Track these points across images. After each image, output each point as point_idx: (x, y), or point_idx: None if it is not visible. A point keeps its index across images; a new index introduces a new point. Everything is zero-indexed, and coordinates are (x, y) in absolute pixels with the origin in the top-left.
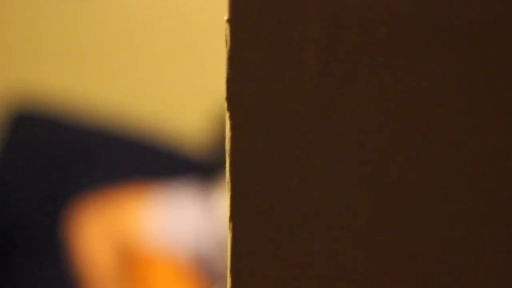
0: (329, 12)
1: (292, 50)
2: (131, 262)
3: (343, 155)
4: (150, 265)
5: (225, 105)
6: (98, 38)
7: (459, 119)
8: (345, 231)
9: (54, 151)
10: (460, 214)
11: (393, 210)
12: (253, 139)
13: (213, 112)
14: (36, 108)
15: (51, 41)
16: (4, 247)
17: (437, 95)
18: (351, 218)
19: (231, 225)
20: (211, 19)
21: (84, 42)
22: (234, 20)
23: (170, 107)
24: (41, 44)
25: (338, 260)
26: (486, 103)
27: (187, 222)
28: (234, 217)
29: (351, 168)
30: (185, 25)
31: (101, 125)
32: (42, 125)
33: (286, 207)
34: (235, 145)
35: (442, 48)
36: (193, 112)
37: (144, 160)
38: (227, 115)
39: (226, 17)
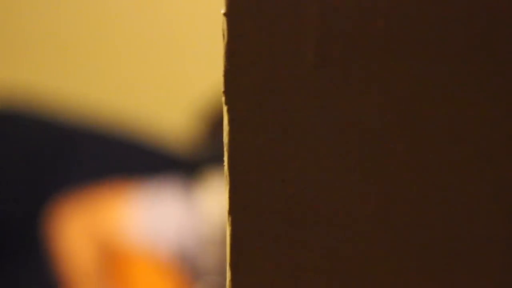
0: (328, 4)
1: (290, 43)
2: (113, 260)
3: (342, 147)
4: (131, 262)
5: (223, 98)
6: (82, 35)
7: (460, 109)
8: (344, 226)
9: (35, 148)
10: (462, 213)
11: (394, 204)
12: (251, 133)
13: (195, 109)
14: (17, 105)
15: (34, 37)
16: None
17: (435, 86)
18: (351, 212)
19: (230, 219)
20: (194, 16)
21: (68, 39)
22: (231, 13)
23: (152, 104)
24: (24, 40)
25: (336, 255)
26: (484, 93)
27: (170, 219)
28: (233, 211)
29: (351, 160)
30: (168, 22)
31: (83, 122)
32: (22, 122)
33: (285, 200)
34: (233, 139)
35: (440, 40)
36: (175, 108)
37: (126, 157)
38: (225, 108)
39: (223, 10)
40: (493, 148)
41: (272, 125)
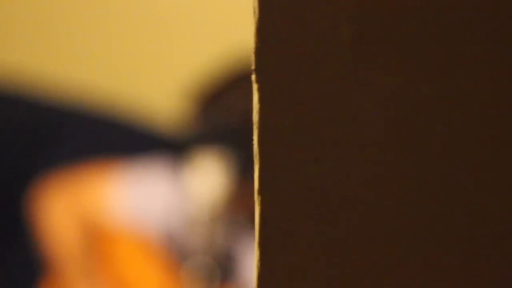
0: None
1: (324, 20)
2: (98, 239)
3: (376, 126)
4: (117, 242)
5: (253, 76)
6: (67, 16)
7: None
8: (373, 204)
9: (20, 128)
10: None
11: (426, 185)
12: (281, 112)
13: (183, 89)
14: (1, 86)
15: (20, 20)
16: None
17: (472, 62)
18: (382, 191)
19: (259, 198)
20: None
21: (53, 20)
22: None
23: (139, 84)
24: (9, 23)
25: (364, 233)
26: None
27: (157, 200)
28: (262, 190)
29: (385, 138)
30: (155, 2)
31: (68, 102)
32: (6, 102)
33: (315, 180)
34: (263, 117)
35: (478, 17)
36: (162, 89)
37: (111, 137)
38: (255, 87)
39: None
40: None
41: (303, 104)
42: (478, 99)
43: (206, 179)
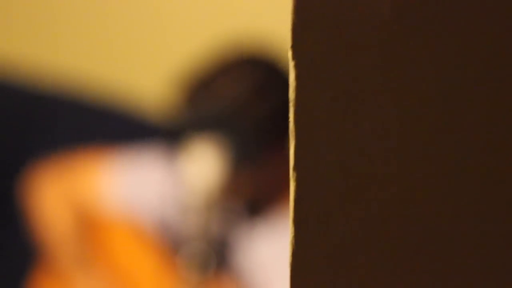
0: None
1: None
2: (91, 227)
3: (415, 105)
4: (110, 229)
5: (289, 53)
6: (57, 5)
7: None
8: (403, 184)
9: (10, 115)
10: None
11: (459, 172)
12: (318, 89)
13: (174, 76)
14: None
15: (9, 7)
16: None
17: None
18: (413, 171)
19: (294, 174)
20: None
21: (44, 8)
22: None
23: (129, 71)
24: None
25: (402, 214)
26: None
27: (151, 187)
28: (298, 167)
29: (424, 114)
30: None
31: (59, 90)
32: None
33: (350, 157)
34: (299, 95)
35: None
36: (152, 76)
37: (104, 124)
38: (291, 64)
39: None
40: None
41: (340, 81)
42: None
43: (200, 166)
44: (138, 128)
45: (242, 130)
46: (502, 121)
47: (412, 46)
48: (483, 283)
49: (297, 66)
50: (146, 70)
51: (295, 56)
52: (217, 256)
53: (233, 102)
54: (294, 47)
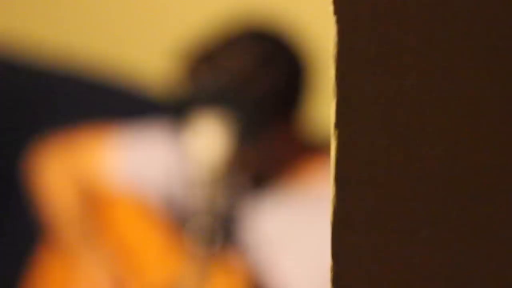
0: None
1: None
2: (95, 203)
3: (463, 61)
4: (115, 205)
5: (331, 8)
6: None
7: None
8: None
9: (14, 92)
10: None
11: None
12: (361, 44)
13: (177, 51)
14: None
15: None
16: None
17: None
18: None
19: (336, 132)
20: None
21: None
22: None
23: (133, 47)
24: None
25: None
26: None
27: (156, 162)
28: (339, 124)
29: (471, 75)
30: None
31: (62, 66)
32: (1, 67)
33: (393, 113)
34: (342, 50)
35: None
36: (156, 51)
37: (107, 101)
38: (334, 18)
39: None
40: None
41: (383, 34)
42: None
43: (205, 141)
44: (141, 104)
45: (247, 103)
46: None
47: (464, 14)
48: None
49: (339, 21)
50: (148, 45)
51: (337, 11)
52: (223, 230)
53: (238, 75)
54: (335, 1)
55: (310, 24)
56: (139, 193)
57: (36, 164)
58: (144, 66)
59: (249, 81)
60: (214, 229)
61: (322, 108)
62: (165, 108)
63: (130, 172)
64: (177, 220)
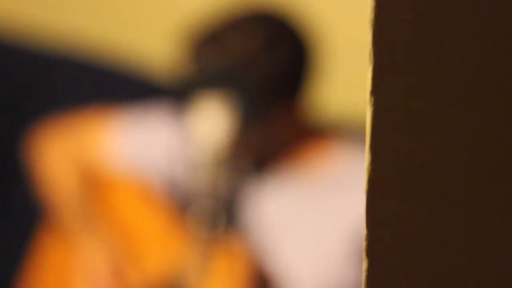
0: None
1: None
2: (95, 186)
3: (495, 34)
4: (116, 188)
5: None
6: None
7: None
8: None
9: (15, 75)
10: None
11: None
12: (398, 10)
13: (180, 32)
14: None
15: None
16: None
17: None
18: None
19: (372, 99)
20: None
21: None
22: None
23: (135, 29)
24: None
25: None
26: None
27: (158, 145)
28: (375, 91)
29: (505, 50)
30: None
31: (64, 49)
32: (3, 49)
33: (429, 81)
34: (379, 16)
35: None
36: (159, 33)
37: (109, 84)
38: None
39: None
40: None
41: (422, 2)
42: None
43: (208, 123)
44: (144, 87)
45: (250, 86)
46: None
47: None
48: None
49: None
50: (151, 27)
51: None
52: (225, 213)
53: (241, 57)
54: None
55: (315, 7)
56: (141, 176)
57: (37, 147)
58: (147, 49)
59: (253, 64)
60: (217, 212)
61: (326, 92)
62: (168, 91)
63: (131, 155)
64: (179, 203)
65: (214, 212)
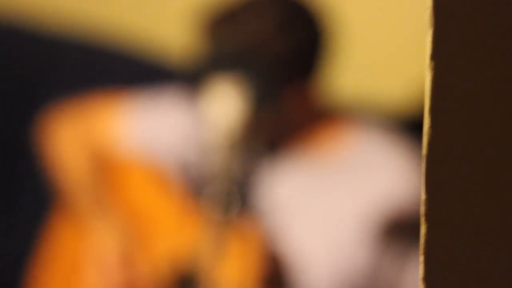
0: None
1: None
2: (107, 170)
3: None
4: (127, 172)
5: None
6: None
7: None
8: None
9: (26, 59)
10: None
11: None
12: None
13: (193, 13)
14: (7, 17)
15: None
16: None
17: None
18: None
19: (432, 64)
20: None
21: None
22: None
23: (148, 12)
24: None
25: None
26: None
27: (171, 128)
28: (435, 55)
29: None
30: None
31: (76, 33)
32: (10, 33)
33: (489, 47)
34: None
35: None
36: (171, 15)
37: (121, 68)
38: None
39: None
40: None
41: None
42: None
43: (221, 106)
44: (156, 70)
45: (264, 68)
46: None
47: None
48: None
49: None
50: (164, 9)
51: None
52: (239, 196)
53: (256, 38)
54: None
55: None
56: (153, 160)
57: (48, 131)
58: (160, 32)
59: (267, 44)
60: (231, 195)
61: (340, 74)
62: (181, 74)
63: (143, 139)
64: (192, 186)
65: (228, 194)
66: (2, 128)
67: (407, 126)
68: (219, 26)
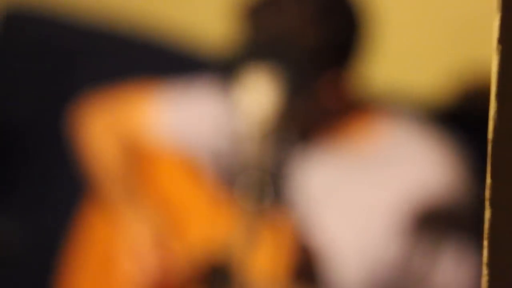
0: None
1: None
2: (139, 159)
3: None
4: (159, 162)
5: None
6: None
7: None
8: None
9: (60, 49)
10: None
11: None
12: None
13: (228, 5)
14: (40, 7)
15: None
16: (8, 154)
17: None
18: None
19: (499, 47)
20: None
21: None
22: None
23: (181, 2)
24: None
25: None
26: None
27: (204, 118)
28: (503, 39)
29: None
30: None
31: (109, 23)
32: (43, 23)
33: None
34: None
35: None
36: (206, 6)
37: (154, 58)
38: None
39: None
40: None
41: None
42: None
43: (254, 96)
44: (189, 60)
45: (298, 57)
46: None
47: None
48: None
49: None
50: (199, 3)
51: None
52: (272, 186)
53: (292, 28)
54: None
55: None
56: (185, 149)
57: (81, 121)
58: (193, 22)
59: (304, 33)
60: (264, 185)
61: (375, 65)
62: (214, 63)
63: (175, 128)
64: (225, 176)
65: (261, 184)
66: (37, 118)
67: (440, 117)
68: (257, 14)
